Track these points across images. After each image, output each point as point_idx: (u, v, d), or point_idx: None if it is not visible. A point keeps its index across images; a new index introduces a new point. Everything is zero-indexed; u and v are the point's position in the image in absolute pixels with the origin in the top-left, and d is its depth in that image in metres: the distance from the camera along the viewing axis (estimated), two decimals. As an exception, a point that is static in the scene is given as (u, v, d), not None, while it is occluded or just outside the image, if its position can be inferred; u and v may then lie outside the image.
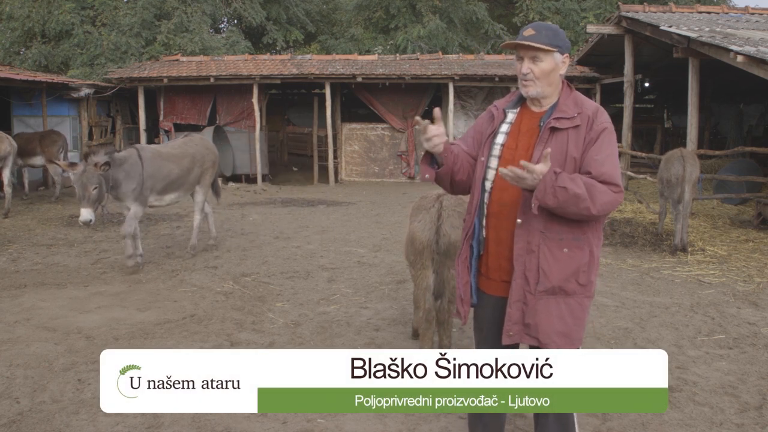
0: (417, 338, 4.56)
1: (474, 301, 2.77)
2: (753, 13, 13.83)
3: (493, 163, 2.64)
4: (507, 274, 2.61)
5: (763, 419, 3.51)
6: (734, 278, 6.56)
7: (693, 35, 9.89)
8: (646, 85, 19.79)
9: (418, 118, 2.66)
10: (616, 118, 17.08)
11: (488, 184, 2.64)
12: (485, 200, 2.65)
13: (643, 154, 13.71)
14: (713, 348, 4.62)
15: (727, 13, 14.06)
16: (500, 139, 2.65)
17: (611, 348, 4.57)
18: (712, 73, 13.24)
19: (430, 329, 3.87)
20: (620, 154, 13.50)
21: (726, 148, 14.58)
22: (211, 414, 3.53)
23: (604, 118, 2.55)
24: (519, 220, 2.52)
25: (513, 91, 2.79)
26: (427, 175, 2.70)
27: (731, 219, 10.10)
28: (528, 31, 2.55)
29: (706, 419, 3.51)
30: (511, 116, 2.68)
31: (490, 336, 2.74)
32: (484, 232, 2.67)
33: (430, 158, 2.68)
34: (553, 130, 2.53)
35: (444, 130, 2.61)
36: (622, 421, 3.48)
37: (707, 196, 11.37)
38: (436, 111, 2.59)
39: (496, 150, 2.64)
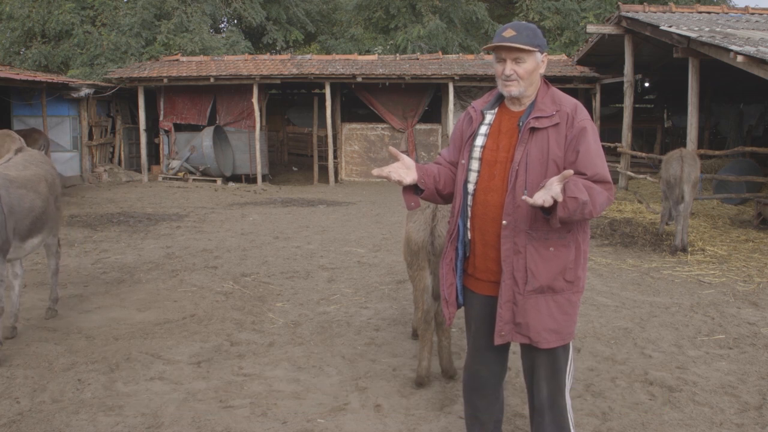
0: (417, 338, 4.56)
1: (460, 302, 2.79)
2: (753, 13, 13.84)
3: (474, 165, 2.64)
4: (494, 274, 2.62)
5: (763, 419, 3.51)
6: (734, 278, 6.56)
7: (693, 35, 9.89)
8: (646, 85, 19.81)
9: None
10: (616, 118, 17.19)
11: (470, 186, 2.64)
12: (468, 202, 2.66)
13: (643, 154, 13.73)
14: (713, 348, 4.62)
15: (727, 13, 14.07)
16: (480, 141, 2.65)
17: (611, 348, 4.58)
18: (712, 73, 13.25)
19: (429, 330, 3.87)
20: (620, 154, 13.58)
21: (726, 148, 14.58)
22: (211, 414, 3.53)
23: (584, 114, 2.56)
24: (504, 222, 2.52)
25: (490, 92, 2.79)
26: (412, 203, 2.74)
27: (731, 219, 10.10)
28: (508, 32, 2.53)
29: (706, 419, 3.51)
30: (489, 117, 2.68)
31: (479, 334, 2.75)
32: (469, 234, 2.67)
33: (413, 186, 2.70)
34: (533, 130, 2.52)
35: (405, 163, 2.65)
36: (622, 421, 3.48)
37: (707, 196, 11.38)
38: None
39: (476, 152, 2.64)
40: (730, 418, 3.52)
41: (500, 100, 2.70)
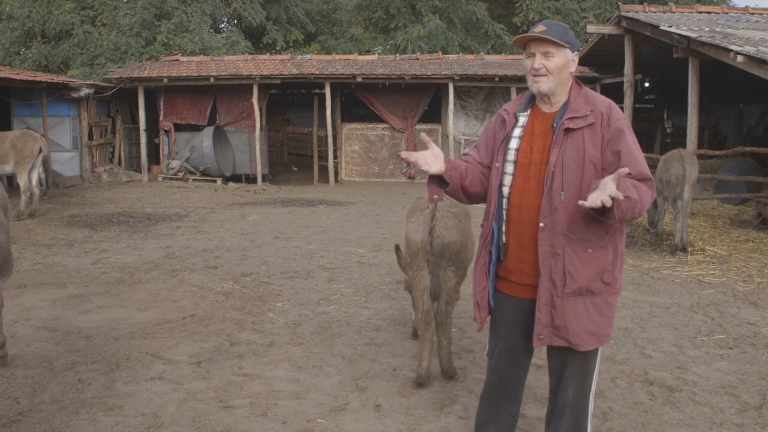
0: (417, 338, 4.56)
1: (492, 306, 2.75)
2: (753, 13, 13.83)
3: (509, 168, 2.62)
4: (529, 277, 2.60)
5: (763, 419, 3.51)
6: (734, 278, 6.56)
7: (693, 35, 9.89)
8: (646, 85, 19.79)
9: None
10: (616, 118, 17.22)
11: (506, 190, 2.62)
12: (504, 206, 2.63)
13: (643, 154, 13.71)
14: (713, 348, 4.62)
15: (727, 13, 14.06)
16: (514, 144, 2.63)
17: (611, 348, 4.57)
18: (712, 73, 13.24)
19: (429, 330, 3.86)
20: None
21: (726, 148, 14.57)
22: (211, 414, 3.53)
23: (619, 114, 2.53)
24: (542, 224, 2.49)
25: (521, 94, 2.78)
26: (435, 196, 2.69)
27: (731, 219, 10.10)
28: (540, 27, 2.54)
29: (706, 419, 3.50)
30: (522, 119, 2.66)
31: (512, 337, 2.72)
32: (504, 238, 2.65)
33: (438, 178, 2.65)
34: (568, 131, 2.50)
35: (435, 153, 2.60)
36: (622, 421, 3.48)
37: (707, 196, 11.38)
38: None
39: (511, 155, 2.62)
40: (730, 418, 3.52)
41: (532, 101, 2.67)
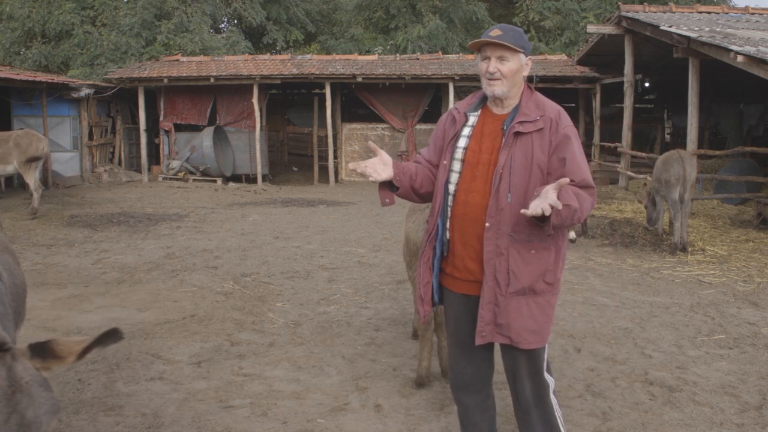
0: (417, 338, 4.56)
1: (436, 300, 2.81)
2: (753, 13, 13.84)
3: (456, 166, 2.66)
4: (473, 273, 2.64)
5: (763, 419, 3.51)
6: (734, 278, 6.56)
7: (693, 35, 9.89)
8: (646, 85, 19.79)
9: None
10: (616, 118, 17.18)
11: (452, 187, 2.66)
12: (449, 202, 2.67)
13: (644, 154, 13.72)
14: (713, 348, 4.62)
15: (727, 13, 14.07)
16: (462, 142, 2.67)
17: (611, 348, 4.58)
18: (712, 73, 13.24)
19: (429, 330, 3.87)
20: (620, 155, 13.58)
21: (726, 148, 14.58)
22: (211, 414, 3.53)
23: (567, 121, 2.59)
24: (488, 224, 2.54)
25: (473, 93, 2.82)
26: (387, 200, 2.76)
27: (731, 219, 10.10)
28: (495, 32, 2.57)
29: (706, 419, 3.51)
30: (472, 119, 2.70)
31: (459, 332, 2.76)
32: (448, 234, 2.69)
33: (388, 183, 2.72)
34: (518, 134, 2.54)
35: (383, 159, 2.69)
36: (622, 421, 3.48)
37: (707, 196, 11.38)
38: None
39: (459, 153, 2.66)
40: (730, 418, 3.52)
41: (483, 102, 2.72)
